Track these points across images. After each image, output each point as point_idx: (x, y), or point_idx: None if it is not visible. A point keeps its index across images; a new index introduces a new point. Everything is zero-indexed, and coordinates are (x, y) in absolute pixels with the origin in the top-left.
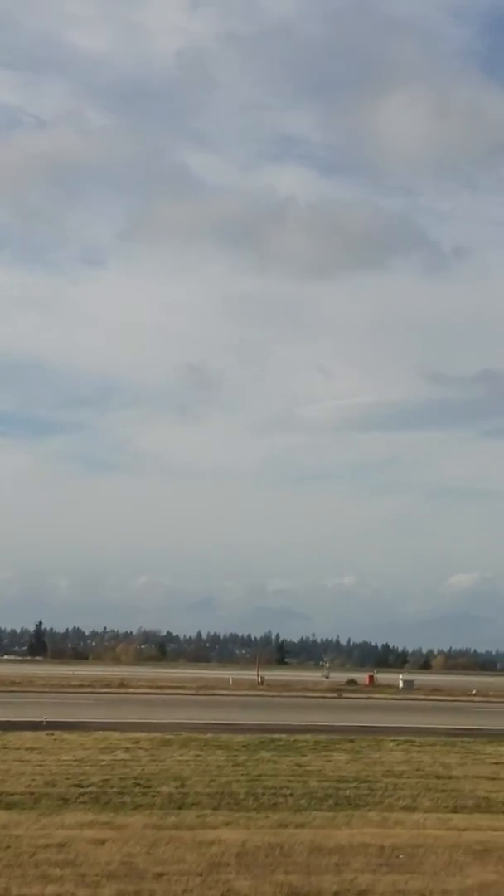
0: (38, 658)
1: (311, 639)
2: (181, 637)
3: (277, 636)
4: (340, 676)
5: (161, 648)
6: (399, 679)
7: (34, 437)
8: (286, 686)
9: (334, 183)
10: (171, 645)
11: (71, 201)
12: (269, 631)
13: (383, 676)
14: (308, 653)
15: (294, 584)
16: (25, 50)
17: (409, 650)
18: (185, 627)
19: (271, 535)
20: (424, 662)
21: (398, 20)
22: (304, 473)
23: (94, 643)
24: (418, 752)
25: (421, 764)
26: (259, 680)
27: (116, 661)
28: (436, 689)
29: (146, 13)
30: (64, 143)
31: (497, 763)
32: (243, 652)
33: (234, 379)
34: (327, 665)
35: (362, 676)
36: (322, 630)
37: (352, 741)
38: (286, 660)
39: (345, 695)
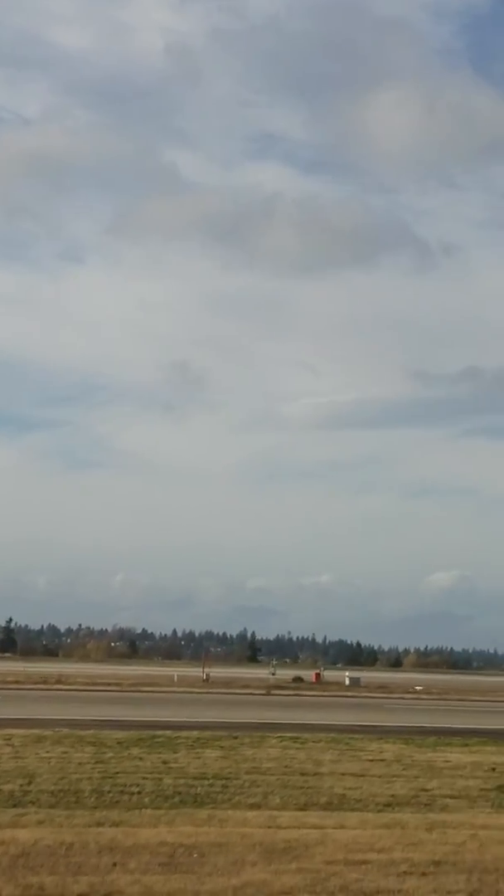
0: (6, 655)
1: (286, 637)
2: (157, 635)
3: (253, 634)
4: (301, 673)
5: (132, 646)
6: (345, 676)
7: (14, 434)
8: (230, 683)
9: (320, 180)
10: (147, 642)
11: (53, 198)
12: (245, 629)
13: (332, 674)
14: (283, 651)
15: (273, 583)
16: (6, 47)
17: (386, 648)
18: (162, 625)
19: (251, 533)
20: (395, 660)
21: (382, 18)
22: (284, 471)
23: (68, 640)
24: (298, 748)
25: (292, 761)
26: (204, 677)
27: (86, 658)
28: (381, 686)
29: (131, 10)
30: (47, 140)
31: (373, 760)
32: (219, 650)
33: (217, 377)
34: (274, 662)
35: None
36: (301, 628)
37: (235, 737)
38: (258, 657)
39: (275, 692)
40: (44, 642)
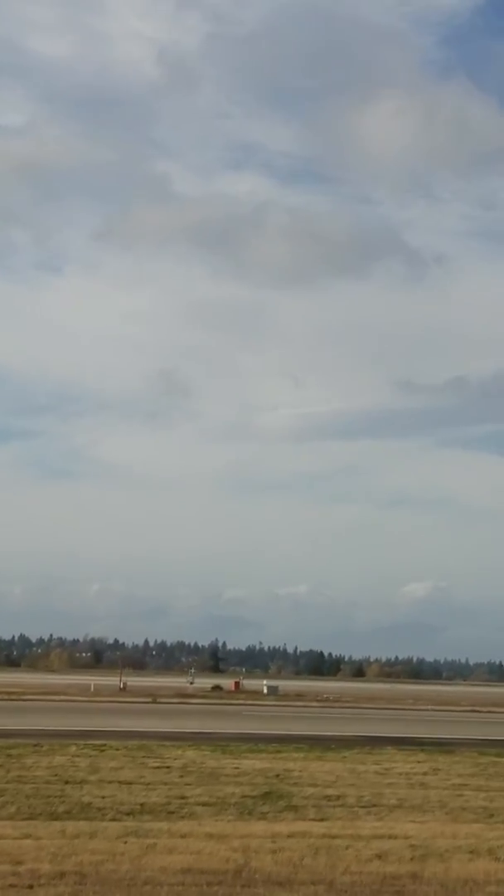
0: None
1: (258, 647)
2: (128, 645)
3: (224, 644)
4: (224, 681)
5: (96, 655)
6: (263, 685)
7: None
8: (144, 692)
9: (306, 191)
10: (117, 652)
11: (33, 207)
12: (216, 639)
13: (253, 683)
14: (255, 661)
15: (248, 593)
16: None
17: (358, 658)
18: (138, 635)
19: (227, 544)
20: (358, 670)
21: (370, 29)
22: (262, 481)
23: (39, 650)
24: (90, 756)
25: (70, 769)
26: (121, 685)
27: (48, 668)
28: (299, 695)
29: (113, 21)
30: (27, 149)
31: (157, 767)
32: (190, 659)
33: (196, 387)
34: (192, 671)
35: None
36: (276, 638)
37: (35, 745)
38: (224, 668)
39: (161, 701)
40: (14, 652)
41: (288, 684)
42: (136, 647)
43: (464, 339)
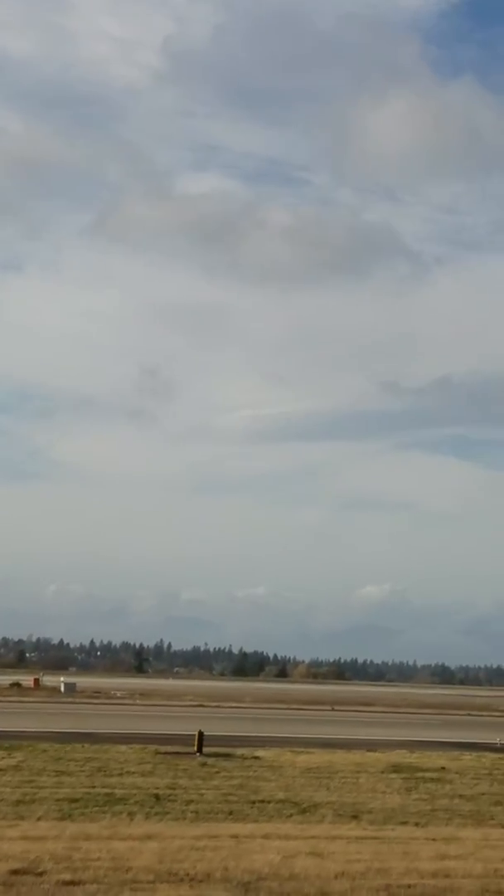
0: None
1: (203, 648)
2: (73, 645)
3: (169, 645)
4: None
5: (19, 656)
6: (61, 682)
7: None
8: None
9: (285, 190)
10: (62, 654)
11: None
12: (161, 640)
13: (55, 679)
14: (199, 662)
15: (208, 594)
16: None
17: (306, 661)
18: (95, 636)
19: (186, 545)
20: (281, 671)
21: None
22: (223, 483)
23: None
24: None
25: None
26: None
27: None
28: (97, 692)
29: (81, 20)
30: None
31: None
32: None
33: (159, 388)
34: None
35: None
36: (233, 640)
37: None
38: (144, 668)
39: None
40: None
41: (95, 682)
42: (82, 647)
43: (449, 340)
